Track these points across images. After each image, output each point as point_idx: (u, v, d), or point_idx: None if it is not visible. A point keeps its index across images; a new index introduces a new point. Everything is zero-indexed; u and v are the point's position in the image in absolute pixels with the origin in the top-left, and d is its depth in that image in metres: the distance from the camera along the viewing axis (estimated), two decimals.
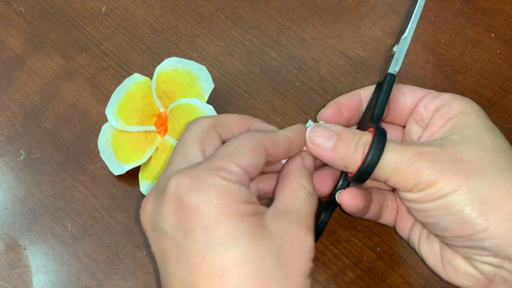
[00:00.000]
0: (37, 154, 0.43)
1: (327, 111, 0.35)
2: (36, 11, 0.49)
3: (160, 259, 0.30)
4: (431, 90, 0.35)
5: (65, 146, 0.43)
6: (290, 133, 0.32)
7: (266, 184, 0.34)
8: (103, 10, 0.49)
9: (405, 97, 0.35)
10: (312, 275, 0.29)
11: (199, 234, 0.27)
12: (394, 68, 0.34)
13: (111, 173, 0.40)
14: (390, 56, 0.35)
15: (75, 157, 0.42)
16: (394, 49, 0.35)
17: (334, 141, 0.32)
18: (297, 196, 0.31)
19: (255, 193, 0.31)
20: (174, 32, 0.47)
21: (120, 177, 0.41)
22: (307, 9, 0.48)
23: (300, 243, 0.29)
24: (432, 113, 0.34)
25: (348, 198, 0.33)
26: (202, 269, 0.27)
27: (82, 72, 0.46)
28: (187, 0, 0.48)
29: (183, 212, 0.28)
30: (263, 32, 0.47)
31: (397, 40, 0.36)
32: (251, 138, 0.31)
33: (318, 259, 0.38)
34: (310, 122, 0.34)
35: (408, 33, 0.35)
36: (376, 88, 0.35)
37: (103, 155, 0.41)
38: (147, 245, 0.37)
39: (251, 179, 0.30)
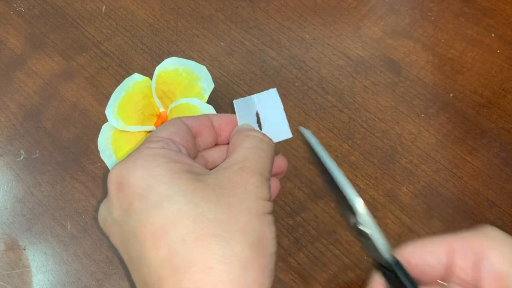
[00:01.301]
0: (37, 154, 0.43)
1: (411, 251, 0.28)
2: (36, 11, 0.49)
3: (120, 250, 0.30)
4: (444, 239, 0.28)
5: (65, 146, 0.43)
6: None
7: (215, 154, 0.34)
8: (103, 10, 0.49)
9: (427, 265, 0.28)
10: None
11: (136, 205, 0.27)
12: (390, 254, 0.27)
13: None
14: (356, 229, 0.28)
15: (75, 157, 0.42)
16: (362, 228, 0.28)
17: None
18: (243, 146, 0.31)
19: (203, 162, 0.32)
20: (174, 32, 0.47)
21: None
22: (307, 9, 0.48)
23: (242, 187, 0.28)
24: (473, 272, 0.27)
25: None
26: (146, 236, 0.27)
27: (82, 72, 0.46)
28: (187, 0, 0.48)
29: (122, 193, 0.28)
30: (263, 32, 0.47)
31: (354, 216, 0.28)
32: (169, 120, 0.32)
33: (318, 259, 0.38)
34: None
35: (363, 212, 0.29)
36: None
37: (103, 155, 0.41)
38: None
39: (185, 147, 0.31)
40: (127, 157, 0.29)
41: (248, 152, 0.30)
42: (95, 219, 0.40)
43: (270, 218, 0.29)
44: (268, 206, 0.29)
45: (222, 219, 0.27)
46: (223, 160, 0.31)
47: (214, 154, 0.34)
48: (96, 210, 0.40)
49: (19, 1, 0.49)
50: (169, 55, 0.46)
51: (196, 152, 0.32)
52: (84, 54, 0.47)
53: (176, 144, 0.30)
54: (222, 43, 0.47)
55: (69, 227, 0.40)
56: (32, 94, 0.45)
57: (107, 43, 0.47)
